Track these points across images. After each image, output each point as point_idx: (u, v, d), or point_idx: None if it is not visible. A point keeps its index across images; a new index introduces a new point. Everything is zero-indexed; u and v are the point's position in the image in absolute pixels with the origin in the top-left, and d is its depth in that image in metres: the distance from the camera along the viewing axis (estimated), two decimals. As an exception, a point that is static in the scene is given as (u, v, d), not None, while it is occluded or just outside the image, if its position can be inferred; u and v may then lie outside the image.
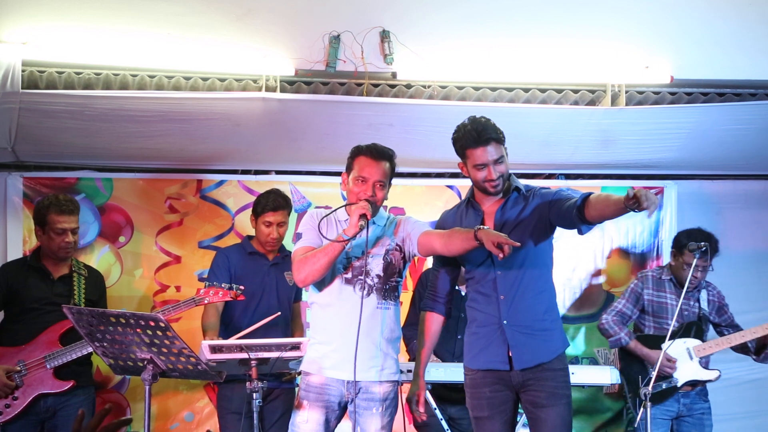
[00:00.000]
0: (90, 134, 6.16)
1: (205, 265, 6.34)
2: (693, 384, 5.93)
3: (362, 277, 4.56)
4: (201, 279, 6.42)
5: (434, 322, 4.68)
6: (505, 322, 4.38)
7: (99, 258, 6.66)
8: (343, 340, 4.49)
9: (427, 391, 5.61)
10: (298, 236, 4.65)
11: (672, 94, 6.45)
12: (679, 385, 5.85)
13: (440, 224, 4.66)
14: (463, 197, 4.81)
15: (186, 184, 6.84)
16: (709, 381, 5.98)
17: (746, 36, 6.08)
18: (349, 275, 4.57)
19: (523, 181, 4.59)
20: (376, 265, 4.58)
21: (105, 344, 4.32)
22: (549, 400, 4.35)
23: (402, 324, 6.21)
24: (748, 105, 6.36)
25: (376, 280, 4.58)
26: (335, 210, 4.68)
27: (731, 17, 6.01)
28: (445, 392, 5.69)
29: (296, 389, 4.66)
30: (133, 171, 6.82)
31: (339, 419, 4.65)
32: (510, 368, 4.37)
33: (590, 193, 4.16)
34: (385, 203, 6.85)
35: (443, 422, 5.61)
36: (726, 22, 6.02)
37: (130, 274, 6.73)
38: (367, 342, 4.49)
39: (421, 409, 4.63)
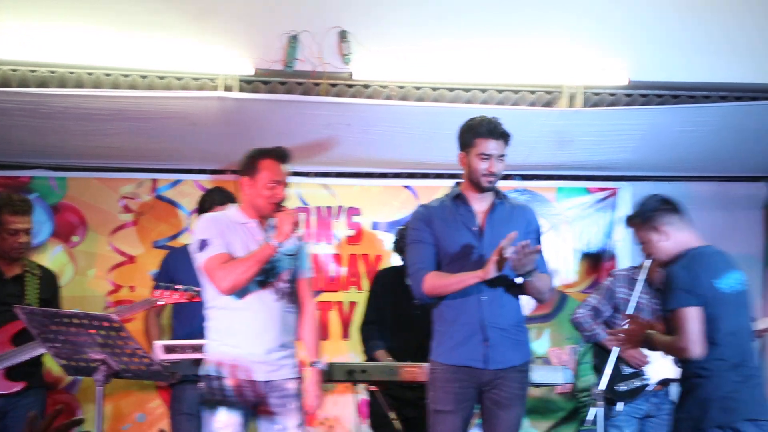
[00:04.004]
0: (44, 133, 6.10)
1: (159, 266, 6.29)
2: (665, 383, 5.94)
3: (273, 280, 4.62)
4: (155, 279, 6.38)
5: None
6: (486, 322, 4.49)
7: (52, 258, 6.59)
8: (260, 342, 4.57)
9: (381, 393, 5.61)
10: (203, 243, 4.58)
11: (628, 95, 6.50)
12: (651, 383, 5.88)
13: (425, 220, 4.67)
14: (424, 197, 4.84)
15: (141, 184, 6.79)
16: (673, 381, 5.99)
17: (701, 39, 6.14)
18: (261, 278, 4.60)
19: None
20: (284, 269, 4.68)
21: (57, 345, 4.28)
22: (511, 401, 4.53)
23: (360, 323, 6.26)
24: (702, 107, 6.41)
25: (286, 284, 4.68)
26: (226, 212, 4.78)
27: (687, 21, 6.07)
28: (400, 392, 5.68)
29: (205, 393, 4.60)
30: (87, 170, 6.76)
31: (250, 420, 4.66)
32: (484, 367, 4.48)
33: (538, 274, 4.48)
34: (341, 203, 6.94)
35: (397, 423, 5.60)
36: (681, 26, 6.08)
37: (84, 274, 6.67)
38: (278, 343, 4.60)
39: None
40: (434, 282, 4.54)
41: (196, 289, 5.48)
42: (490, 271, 4.38)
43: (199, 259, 4.59)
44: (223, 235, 4.59)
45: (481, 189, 4.59)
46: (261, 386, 4.58)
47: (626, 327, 4.74)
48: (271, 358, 4.57)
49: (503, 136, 4.56)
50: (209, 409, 4.56)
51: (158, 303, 5.54)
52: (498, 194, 4.67)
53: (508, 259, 4.30)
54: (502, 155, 4.56)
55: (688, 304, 4.38)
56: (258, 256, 4.48)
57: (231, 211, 4.78)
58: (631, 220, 4.81)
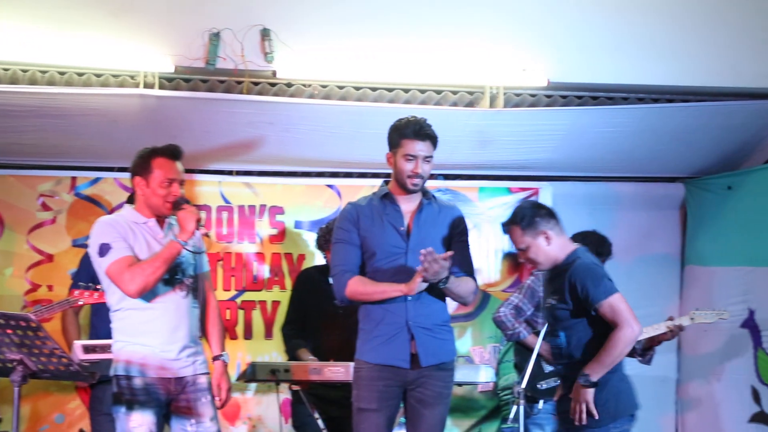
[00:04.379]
0: (-42, 129, 6.00)
1: (77, 264, 6.21)
2: None
3: (179, 277, 4.60)
4: (74, 278, 6.30)
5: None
6: (410, 322, 4.51)
7: (-33, 256, 6.48)
8: (170, 339, 4.54)
9: (303, 392, 5.61)
10: (105, 248, 4.51)
11: (548, 96, 6.59)
12: None
13: (352, 220, 4.66)
14: (351, 196, 4.87)
15: (60, 182, 6.69)
16: None
17: (620, 41, 6.26)
18: (168, 276, 4.56)
19: None
20: (189, 266, 4.67)
21: (-28, 345, 4.21)
22: (435, 399, 4.56)
23: (283, 322, 6.24)
24: (620, 108, 6.53)
25: (190, 280, 4.66)
26: (122, 213, 4.76)
27: (606, 23, 6.19)
28: (323, 391, 5.69)
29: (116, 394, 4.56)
30: (4, 167, 6.64)
31: (164, 417, 4.63)
32: (411, 366, 4.50)
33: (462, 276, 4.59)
34: (264, 202, 6.91)
35: (320, 422, 5.61)
36: (601, 28, 6.19)
37: (1, 273, 6.56)
38: (187, 339, 4.58)
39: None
40: (357, 288, 4.56)
41: None
42: (414, 289, 4.44)
43: (102, 264, 4.51)
44: (125, 238, 4.53)
45: (406, 190, 4.61)
46: (173, 383, 4.56)
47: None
48: (182, 355, 4.56)
49: (430, 138, 4.57)
50: (121, 410, 4.50)
51: (78, 303, 5.47)
52: (426, 194, 4.69)
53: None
54: (429, 157, 4.57)
55: (615, 290, 4.59)
56: (165, 256, 4.44)
57: (126, 212, 4.71)
58: (511, 226, 4.73)
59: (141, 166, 4.64)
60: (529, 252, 4.69)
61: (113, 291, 4.55)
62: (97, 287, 5.41)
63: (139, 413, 4.47)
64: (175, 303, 4.58)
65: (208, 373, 4.72)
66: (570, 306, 4.69)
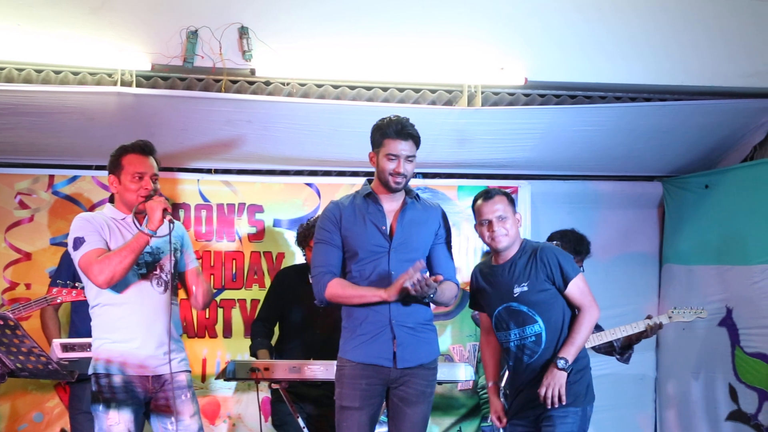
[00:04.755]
0: (-65, 127, 5.96)
1: (57, 263, 6.17)
2: None
3: (157, 272, 4.60)
4: (53, 276, 6.28)
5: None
6: (393, 321, 4.52)
7: (-57, 255, 6.44)
8: (145, 335, 4.53)
9: (283, 390, 5.60)
10: (78, 241, 4.53)
11: (526, 95, 6.61)
12: None
13: (334, 220, 4.66)
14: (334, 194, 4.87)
15: (37, 180, 6.66)
16: None
17: (598, 41, 6.28)
18: (144, 270, 4.57)
19: None
20: (167, 262, 4.63)
21: (-51, 343, 4.18)
22: (418, 398, 4.57)
23: (255, 317, 6.24)
24: (598, 107, 6.56)
25: (168, 276, 4.64)
26: (102, 210, 4.74)
27: (584, 23, 6.22)
28: (303, 389, 5.68)
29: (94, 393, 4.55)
30: (-20, 165, 6.62)
31: (144, 415, 4.62)
32: (393, 365, 4.51)
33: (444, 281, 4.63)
34: (243, 201, 6.90)
35: (300, 420, 5.60)
36: (579, 27, 6.22)
37: (-23, 272, 6.53)
38: (166, 336, 4.56)
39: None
40: (336, 291, 4.56)
41: None
42: (394, 296, 4.44)
43: (75, 257, 4.53)
44: (99, 232, 4.54)
45: (389, 189, 4.61)
46: (152, 381, 4.55)
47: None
48: (160, 351, 4.54)
49: (412, 137, 4.59)
50: (99, 407, 4.49)
51: (56, 301, 5.46)
52: (410, 193, 4.70)
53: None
54: (411, 156, 4.58)
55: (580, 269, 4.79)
56: (131, 245, 4.42)
57: (107, 209, 4.73)
58: (501, 195, 4.90)
59: (113, 164, 4.69)
60: (506, 223, 4.80)
61: (90, 286, 4.55)
62: (75, 285, 5.40)
63: (116, 411, 4.46)
64: (152, 299, 4.56)
65: (188, 371, 4.71)
66: (546, 287, 4.76)
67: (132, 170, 4.59)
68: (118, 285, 4.49)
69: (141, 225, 4.49)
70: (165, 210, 4.43)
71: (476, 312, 6.01)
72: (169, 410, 4.55)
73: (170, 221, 4.44)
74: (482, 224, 4.89)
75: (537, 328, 4.78)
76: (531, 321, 4.79)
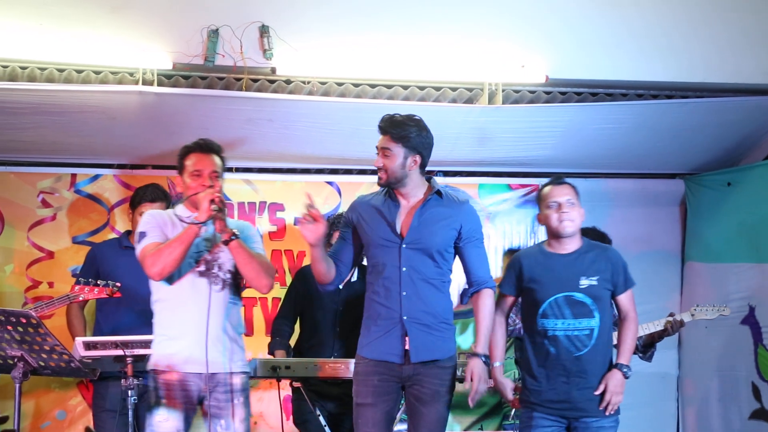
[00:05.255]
0: (-42, 126, 6.00)
1: (79, 261, 6.22)
2: None
3: (215, 271, 4.58)
4: (75, 275, 6.31)
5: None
6: (405, 317, 4.50)
7: (-32, 254, 6.49)
8: (200, 334, 4.49)
9: (304, 389, 5.61)
10: (141, 235, 4.57)
11: (547, 93, 6.59)
12: None
13: (350, 213, 4.70)
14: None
15: (60, 178, 6.70)
16: None
17: (619, 37, 6.25)
18: (202, 268, 4.56)
19: None
20: (227, 260, 4.60)
21: (-27, 341, 4.22)
22: (432, 397, 4.52)
23: (276, 315, 6.24)
24: (619, 105, 6.53)
25: (228, 275, 4.61)
26: (174, 207, 4.71)
27: (605, 19, 6.18)
28: (324, 388, 5.69)
29: (148, 389, 4.56)
30: (4, 164, 6.65)
31: (194, 415, 4.61)
32: (404, 362, 4.50)
33: (487, 287, 4.63)
34: (264, 199, 6.91)
35: (321, 418, 5.61)
36: (600, 24, 6.18)
37: (1, 270, 6.58)
38: (222, 335, 4.53)
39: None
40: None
41: (117, 284, 5.44)
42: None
43: (137, 250, 4.57)
44: (161, 227, 4.57)
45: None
46: (206, 380, 4.52)
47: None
48: (215, 351, 4.50)
49: (383, 130, 4.57)
50: (152, 403, 4.50)
51: (78, 299, 5.48)
52: (433, 189, 4.65)
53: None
54: (386, 148, 4.53)
55: None
56: (180, 237, 4.42)
57: (177, 208, 4.72)
58: (569, 185, 4.93)
59: (178, 164, 4.71)
60: (573, 210, 4.82)
61: (151, 282, 4.59)
62: (98, 282, 5.43)
63: (167, 408, 4.47)
64: (208, 296, 4.52)
65: (246, 373, 4.68)
66: (609, 287, 4.78)
67: (191, 167, 4.61)
68: (172, 278, 4.50)
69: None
70: (212, 201, 4.40)
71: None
72: (221, 412, 4.54)
73: (216, 211, 4.40)
74: (550, 207, 4.86)
75: (593, 323, 4.77)
76: (590, 315, 4.78)
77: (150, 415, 4.51)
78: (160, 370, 4.53)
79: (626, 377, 4.77)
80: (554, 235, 4.89)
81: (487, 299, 4.63)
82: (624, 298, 4.88)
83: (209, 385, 4.52)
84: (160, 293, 4.59)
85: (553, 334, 4.83)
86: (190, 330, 4.50)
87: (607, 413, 4.72)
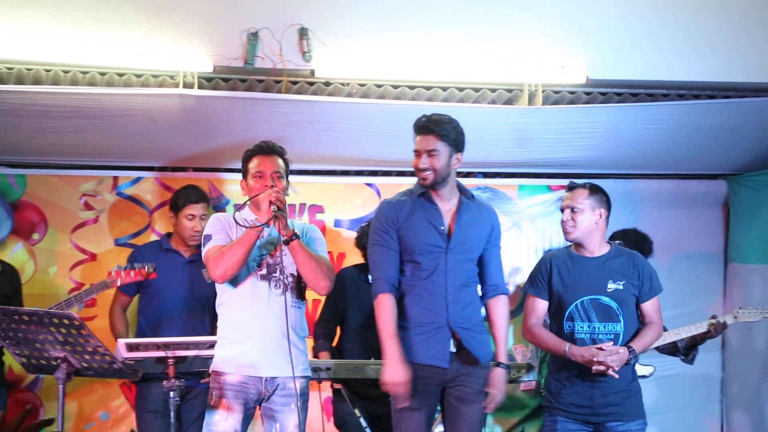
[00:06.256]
0: (2, 130, 6.04)
1: (121, 263, 6.22)
2: None
3: (277, 275, 4.59)
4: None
5: (395, 304, 4.61)
6: (451, 321, 4.51)
7: (12, 255, 6.55)
8: (260, 337, 4.54)
9: (345, 389, 5.62)
10: (206, 238, 4.64)
11: (587, 93, 6.54)
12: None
13: (388, 217, 4.66)
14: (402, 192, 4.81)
15: (102, 181, 6.75)
16: (643, 377, 5.99)
17: (659, 38, 6.20)
18: (264, 272, 4.60)
19: None
20: (289, 264, 4.62)
21: (18, 343, 4.25)
22: (474, 396, 4.55)
23: (316, 319, 6.25)
24: (660, 105, 6.47)
25: (290, 279, 4.63)
26: (240, 209, 4.70)
27: (646, 19, 6.13)
28: (364, 389, 5.69)
29: (210, 389, 4.60)
30: (47, 167, 6.71)
31: (252, 417, 4.65)
32: (449, 366, 4.51)
33: (503, 293, 4.69)
34: (303, 201, 6.92)
35: (362, 420, 5.61)
36: (640, 24, 6.14)
37: (45, 272, 6.63)
38: (283, 339, 4.51)
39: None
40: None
41: (152, 264, 5.47)
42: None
43: (203, 253, 4.64)
44: (226, 230, 4.64)
45: (424, 185, 4.60)
46: (265, 383, 4.56)
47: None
48: (276, 354, 4.52)
49: (428, 130, 4.55)
50: (212, 404, 4.56)
51: (115, 284, 5.53)
52: (465, 193, 4.67)
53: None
54: (432, 150, 4.53)
55: None
56: (242, 239, 4.47)
57: (243, 210, 4.73)
58: (579, 187, 4.96)
59: (242, 169, 4.79)
60: (579, 215, 4.84)
61: (217, 285, 4.65)
62: (134, 266, 5.47)
63: (225, 408, 4.51)
64: (269, 300, 4.57)
65: (306, 377, 4.70)
66: (635, 293, 4.76)
67: (254, 170, 4.69)
68: (234, 283, 4.55)
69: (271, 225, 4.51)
70: (270, 202, 4.42)
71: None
72: (277, 416, 4.58)
73: (275, 212, 4.41)
74: (563, 211, 4.91)
75: (618, 327, 4.77)
76: (616, 319, 4.77)
77: (209, 414, 4.56)
78: (221, 372, 4.57)
79: (629, 362, 4.77)
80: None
81: (503, 306, 4.68)
82: (649, 305, 4.89)
83: (268, 389, 4.56)
84: (224, 296, 4.65)
85: (580, 337, 4.83)
86: (251, 333, 4.55)
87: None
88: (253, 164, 4.71)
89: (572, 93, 6.53)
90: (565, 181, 7.19)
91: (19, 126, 6.01)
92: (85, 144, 6.39)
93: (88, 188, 6.73)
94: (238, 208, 4.70)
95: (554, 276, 4.92)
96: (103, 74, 5.91)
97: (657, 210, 7.46)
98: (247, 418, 4.60)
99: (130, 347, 4.82)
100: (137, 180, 6.81)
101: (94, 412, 6.60)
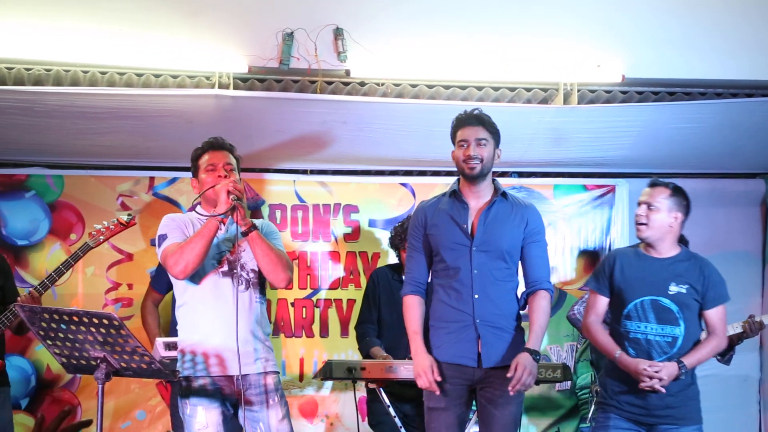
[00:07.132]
0: (40, 131, 6.10)
1: (157, 263, 6.30)
2: None
3: (238, 271, 4.54)
4: (153, 277, 6.41)
5: (421, 304, 4.66)
6: (478, 320, 4.49)
7: (50, 255, 6.60)
8: (228, 334, 4.45)
9: (380, 390, 5.61)
10: (161, 238, 4.58)
11: (623, 92, 6.52)
12: None
13: (417, 219, 4.71)
14: (440, 193, 4.84)
15: (138, 182, 6.79)
16: None
17: (696, 36, 6.17)
18: (225, 269, 4.56)
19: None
20: (250, 259, 4.59)
21: (57, 343, 4.27)
22: (505, 399, 4.48)
23: (356, 321, 6.26)
24: (697, 104, 6.43)
25: (252, 275, 4.60)
26: (193, 207, 4.72)
27: (682, 18, 6.10)
28: (398, 389, 5.69)
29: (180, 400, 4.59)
30: (84, 168, 6.76)
31: (231, 417, 4.59)
32: (477, 365, 4.48)
33: (546, 289, 4.60)
34: (338, 201, 6.92)
35: (396, 420, 5.61)
36: (676, 23, 6.11)
37: (82, 272, 6.67)
38: (250, 336, 4.52)
39: (437, 378, 4.48)
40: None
41: (127, 213, 5.58)
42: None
43: (158, 254, 4.59)
44: (181, 229, 4.59)
45: (467, 178, 4.59)
46: (236, 382, 4.48)
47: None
48: (244, 351, 4.45)
49: (478, 121, 4.59)
50: (188, 411, 4.50)
51: (99, 241, 5.54)
52: (498, 191, 4.65)
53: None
54: (482, 139, 4.56)
55: None
56: (201, 232, 4.43)
57: (196, 205, 4.74)
58: (661, 185, 4.90)
59: (192, 167, 4.78)
60: (654, 213, 4.79)
61: (175, 284, 4.62)
62: (113, 220, 5.50)
63: (204, 414, 4.47)
64: (232, 296, 4.51)
65: (276, 372, 4.66)
66: (698, 299, 4.71)
67: (205, 164, 4.67)
68: (195, 277, 4.50)
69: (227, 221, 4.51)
70: (228, 192, 4.40)
71: (574, 311, 5.95)
72: (257, 414, 4.52)
73: (233, 202, 4.38)
74: (639, 207, 4.88)
75: (677, 331, 4.71)
76: (675, 323, 4.72)
77: (187, 422, 4.51)
78: (192, 376, 4.52)
79: (679, 377, 4.70)
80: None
81: (542, 300, 4.60)
82: (713, 314, 4.78)
83: (242, 386, 4.48)
84: (185, 296, 4.59)
85: (635, 337, 4.77)
86: (218, 332, 4.49)
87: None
88: (203, 159, 4.68)
89: (608, 92, 6.50)
90: (601, 181, 7.21)
91: (57, 127, 6.06)
92: (122, 144, 6.43)
93: (125, 188, 6.77)
94: (192, 207, 4.70)
95: (616, 272, 4.87)
96: (139, 75, 5.96)
97: (694, 209, 7.33)
98: (228, 420, 4.55)
99: (168, 346, 4.83)
100: (173, 180, 6.84)
101: (130, 411, 6.63)
